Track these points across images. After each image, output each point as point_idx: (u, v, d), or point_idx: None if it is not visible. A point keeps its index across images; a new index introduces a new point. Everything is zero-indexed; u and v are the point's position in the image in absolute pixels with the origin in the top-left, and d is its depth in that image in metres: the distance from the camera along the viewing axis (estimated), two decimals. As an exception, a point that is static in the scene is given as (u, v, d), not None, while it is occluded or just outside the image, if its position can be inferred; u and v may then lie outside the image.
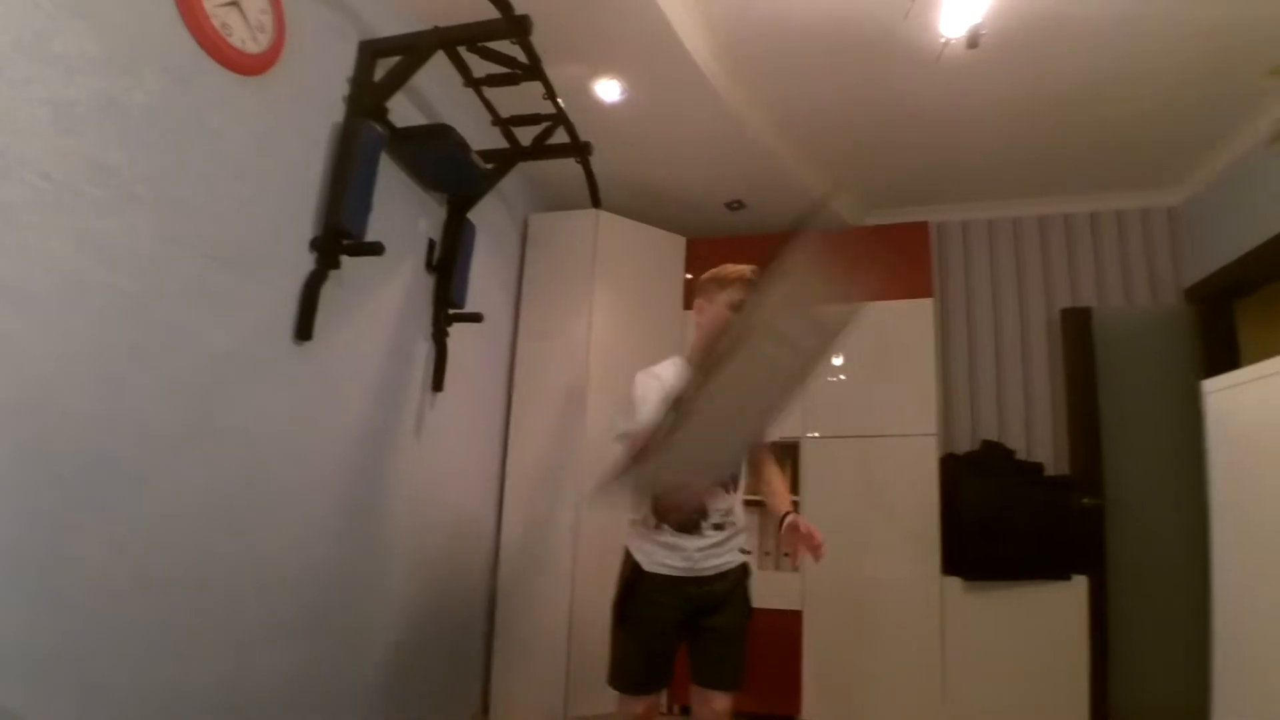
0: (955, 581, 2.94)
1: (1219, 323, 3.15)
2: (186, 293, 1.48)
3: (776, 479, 1.93)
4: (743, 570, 1.87)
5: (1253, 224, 2.80)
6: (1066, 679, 2.81)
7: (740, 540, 1.89)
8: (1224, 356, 2.94)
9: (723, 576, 1.81)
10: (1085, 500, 3.15)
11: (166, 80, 1.45)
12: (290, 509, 1.79)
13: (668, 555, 1.79)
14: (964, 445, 3.40)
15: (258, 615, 1.67)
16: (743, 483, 1.90)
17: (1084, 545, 3.09)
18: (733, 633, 1.80)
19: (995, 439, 3.36)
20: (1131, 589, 3.04)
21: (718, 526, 1.81)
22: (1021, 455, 3.31)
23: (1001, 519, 2.96)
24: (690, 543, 1.78)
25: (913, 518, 3.02)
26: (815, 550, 1.69)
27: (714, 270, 1.89)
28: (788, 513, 1.79)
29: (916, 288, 3.22)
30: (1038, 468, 3.19)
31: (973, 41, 1.82)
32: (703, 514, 1.79)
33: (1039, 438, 3.36)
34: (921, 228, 3.33)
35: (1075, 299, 3.42)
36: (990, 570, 2.93)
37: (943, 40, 1.77)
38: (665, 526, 1.79)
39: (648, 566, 1.79)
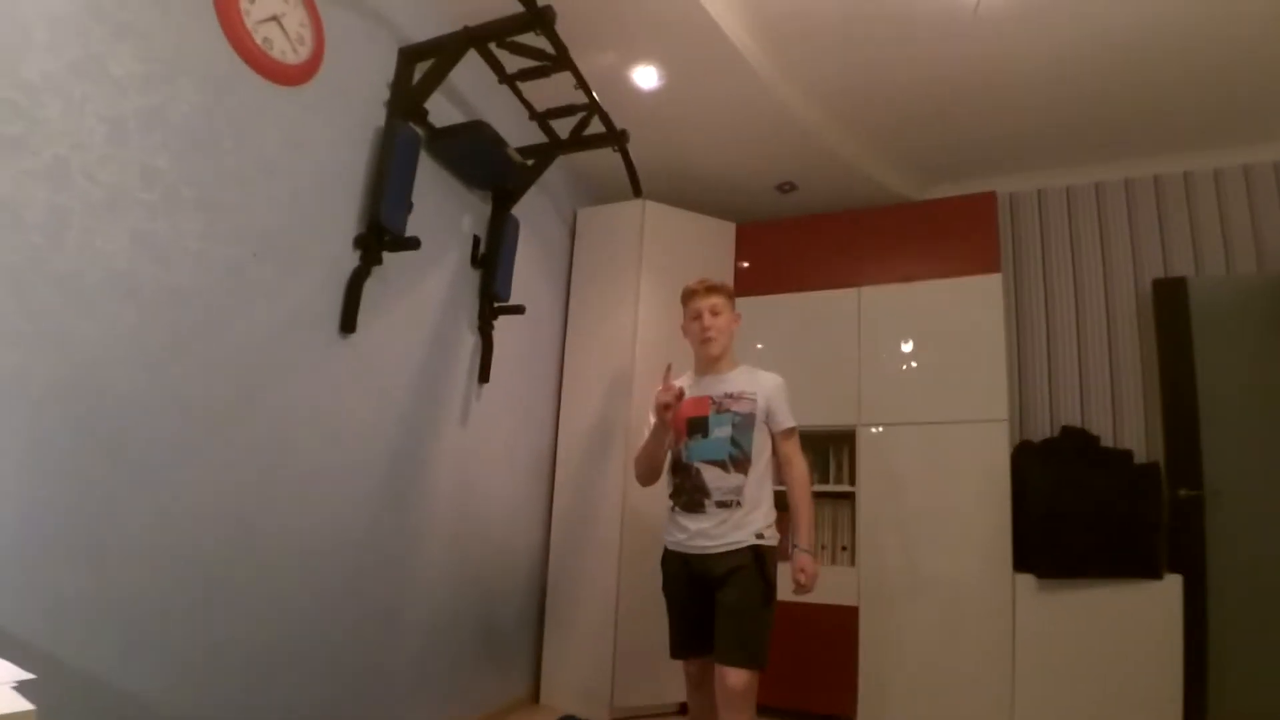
0: (1029, 579, 2.73)
1: (1343, 292, 2.79)
2: (228, 286, 1.60)
3: (798, 501, 1.95)
4: (753, 551, 1.87)
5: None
6: (1156, 688, 2.53)
7: (756, 521, 1.90)
8: (1347, 330, 2.61)
9: (724, 556, 1.86)
10: (1181, 491, 2.87)
11: (210, 93, 1.57)
12: (328, 487, 1.89)
13: (673, 532, 1.99)
14: (1042, 432, 3.17)
15: (294, 583, 1.77)
16: (759, 465, 1.95)
17: (1179, 540, 2.82)
18: (735, 610, 1.82)
19: (1077, 425, 3.12)
20: (1235, 588, 2.74)
21: (722, 504, 1.90)
22: (1107, 442, 3.05)
23: (1080, 511, 2.73)
24: (692, 522, 1.93)
25: (981, 510, 2.83)
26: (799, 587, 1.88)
27: None
28: (796, 545, 1.92)
29: (982, 263, 3.02)
30: (1126, 455, 2.92)
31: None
32: (705, 493, 1.92)
33: (1127, 423, 3.08)
34: (988, 199, 3.11)
35: (1168, 269, 3.11)
36: (1067, 567, 2.70)
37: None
38: (676, 507, 1.99)
39: (665, 542, 2.03)
